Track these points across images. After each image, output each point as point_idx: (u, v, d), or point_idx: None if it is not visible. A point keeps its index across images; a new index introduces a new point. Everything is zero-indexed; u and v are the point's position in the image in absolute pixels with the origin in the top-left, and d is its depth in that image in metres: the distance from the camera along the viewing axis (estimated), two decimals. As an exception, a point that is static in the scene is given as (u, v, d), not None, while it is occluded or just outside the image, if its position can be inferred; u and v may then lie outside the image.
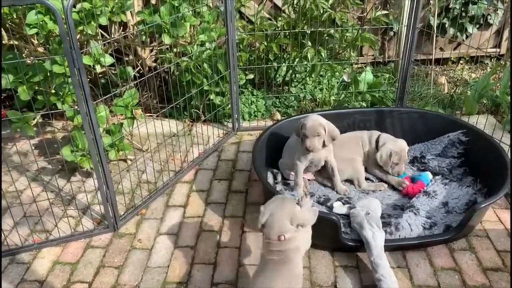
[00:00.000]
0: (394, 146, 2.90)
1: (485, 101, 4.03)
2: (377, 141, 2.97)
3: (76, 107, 2.87)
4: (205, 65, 3.42)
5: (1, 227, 2.60)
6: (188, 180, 3.14)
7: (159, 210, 2.85)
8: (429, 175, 2.91)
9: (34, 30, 2.60)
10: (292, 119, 3.18)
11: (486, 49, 4.82)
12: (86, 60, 2.75)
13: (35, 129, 3.29)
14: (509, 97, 3.88)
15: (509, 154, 2.81)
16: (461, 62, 5.01)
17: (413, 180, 2.90)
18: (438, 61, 4.85)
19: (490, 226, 2.64)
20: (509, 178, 2.51)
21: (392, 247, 2.42)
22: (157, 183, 3.07)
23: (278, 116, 3.92)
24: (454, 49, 4.96)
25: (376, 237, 2.34)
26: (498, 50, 4.90)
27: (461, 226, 2.45)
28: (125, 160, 3.31)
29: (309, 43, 3.73)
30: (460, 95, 4.10)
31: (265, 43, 3.74)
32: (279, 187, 2.87)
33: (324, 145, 2.73)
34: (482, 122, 3.33)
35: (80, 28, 2.73)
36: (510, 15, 4.60)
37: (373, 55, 4.79)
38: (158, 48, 3.69)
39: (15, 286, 2.31)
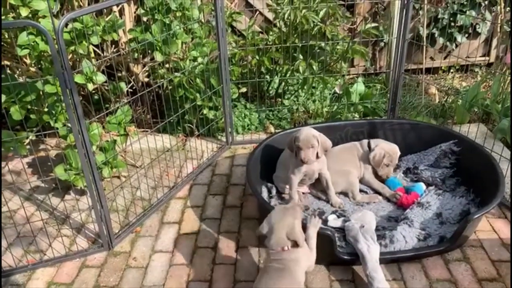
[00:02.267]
0: (388, 148, 2.95)
1: (476, 110, 4.07)
2: (369, 146, 3.01)
3: (68, 125, 2.87)
4: (198, 80, 3.44)
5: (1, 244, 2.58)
6: (183, 196, 3.14)
7: (154, 227, 2.84)
8: (422, 185, 2.93)
9: (26, 51, 2.61)
10: (286, 132, 3.19)
11: (475, 57, 4.88)
12: (78, 79, 2.75)
13: (28, 147, 3.29)
14: (499, 106, 3.92)
15: (509, 166, 2.84)
16: (451, 71, 5.06)
17: (407, 191, 2.91)
18: (428, 70, 4.90)
19: (484, 236, 2.65)
20: (502, 187, 2.53)
21: (387, 260, 2.43)
22: (152, 199, 3.06)
23: (271, 128, 3.94)
24: (445, 58, 5.01)
25: (371, 250, 2.34)
26: (487, 58, 4.95)
27: (455, 236, 2.46)
28: (118, 177, 3.30)
29: (301, 56, 3.76)
30: (451, 104, 4.14)
31: (257, 57, 3.77)
32: (273, 201, 2.87)
33: (317, 156, 2.74)
34: (474, 131, 3.36)
35: (72, 48, 2.74)
36: (510, 25, 4.66)
37: (364, 66, 4.83)
38: (151, 64, 3.71)
39: (9, 309, 2.29)
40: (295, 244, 2.08)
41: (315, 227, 2.25)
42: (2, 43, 3.05)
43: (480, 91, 4.07)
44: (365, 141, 3.08)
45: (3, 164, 3.50)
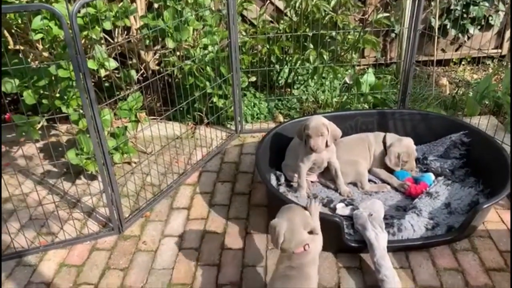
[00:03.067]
0: (400, 147, 2.93)
1: (487, 102, 4.04)
2: (384, 142, 2.99)
3: (81, 110, 2.91)
4: (208, 68, 3.45)
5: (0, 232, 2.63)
6: (192, 182, 3.17)
7: (164, 212, 2.87)
8: (431, 176, 2.92)
9: (40, 36, 2.64)
10: (295, 121, 3.20)
11: (487, 50, 4.83)
12: (91, 64, 2.78)
13: (40, 132, 3.33)
14: (509, 97, 3.89)
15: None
16: (462, 63, 5.02)
17: (416, 181, 2.91)
18: (440, 62, 4.86)
19: (493, 227, 2.65)
20: (510, 179, 2.52)
21: (395, 248, 2.44)
22: (161, 185, 3.09)
23: (280, 118, 3.94)
24: (456, 50, 4.97)
25: (379, 238, 2.35)
26: (499, 51, 4.91)
27: (464, 226, 2.46)
28: (129, 163, 3.34)
29: (311, 46, 3.76)
30: (462, 96, 4.12)
31: (267, 46, 3.77)
32: (282, 189, 2.89)
33: (326, 145, 2.75)
34: (484, 123, 3.34)
35: (85, 33, 2.76)
36: (510, 17, 4.61)
37: (375, 57, 4.81)
38: (161, 52, 3.72)
39: (22, 288, 2.34)
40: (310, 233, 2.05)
41: (316, 210, 2.24)
42: (15, 28, 3.07)
43: (492, 83, 4.04)
44: (380, 135, 3.06)
45: (15, 148, 3.56)
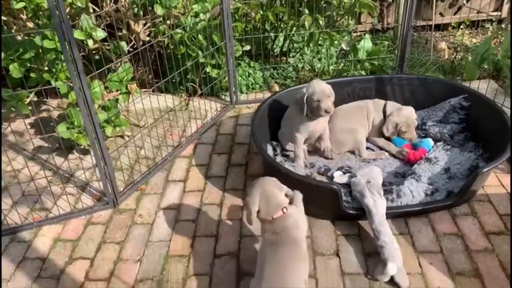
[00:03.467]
0: (399, 117, 2.86)
1: (486, 66, 3.96)
2: (384, 111, 2.92)
3: (70, 83, 2.82)
4: (200, 37, 3.34)
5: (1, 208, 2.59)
6: (187, 154, 3.11)
7: (159, 185, 2.83)
8: (430, 141, 2.87)
9: (22, 4, 2.53)
10: (291, 89, 3.12)
11: (487, 12, 4.71)
12: (78, 34, 2.68)
13: (29, 108, 3.25)
14: (509, 60, 3.81)
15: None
16: (461, 27, 4.91)
17: (414, 147, 2.87)
18: (438, 27, 4.75)
19: (492, 191, 2.62)
20: (511, 142, 2.48)
21: (394, 214, 2.41)
22: (156, 158, 3.04)
23: (276, 88, 3.86)
24: (454, 14, 4.85)
25: (377, 204, 2.32)
26: (499, 13, 4.79)
27: (464, 191, 2.43)
28: (122, 136, 3.27)
29: (306, 11, 3.64)
30: (461, 61, 4.03)
31: (261, 12, 3.64)
32: (278, 158, 2.83)
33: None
34: (483, 88, 3.27)
35: (69, 0, 2.65)
36: None
37: (371, 23, 4.69)
38: (152, 21, 3.60)
39: (16, 264, 2.31)
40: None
41: (299, 200, 2.11)
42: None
43: (491, 46, 3.94)
44: (379, 101, 2.99)
45: (5, 124, 3.48)
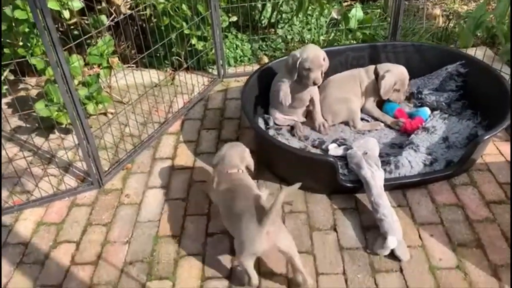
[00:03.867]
0: (397, 74, 2.76)
1: (479, 34, 3.85)
2: (375, 73, 2.80)
3: (46, 58, 2.64)
4: (184, 7, 3.16)
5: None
6: (175, 131, 2.98)
7: (146, 163, 2.70)
8: (427, 110, 2.78)
9: (-12, -29, 2.33)
10: (281, 60, 2.98)
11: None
12: (52, 4, 2.50)
13: (6, 87, 3.07)
14: (504, 26, 3.71)
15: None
16: (453, -6, 4.77)
17: (410, 116, 2.77)
18: (429, -6, 4.61)
19: (491, 159, 2.55)
20: (510, 108, 2.39)
21: (392, 186, 2.32)
22: (142, 136, 2.90)
23: (265, 59, 3.71)
24: (446, -20, 4.70)
25: (375, 176, 2.23)
26: (491, -21, 4.65)
27: (463, 160, 2.35)
28: (105, 114, 3.11)
29: (295, -22, 3.47)
30: (454, 28, 3.91)
31: (248, -20, 3.46)
32: (271, 132, 2.71)
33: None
34: (479, 55, 3.16)
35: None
36: None
37: (361, -9, 4.52)
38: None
39: (-3, 251, 2.18)
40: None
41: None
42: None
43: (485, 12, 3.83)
44: (371, 67, 2.86)
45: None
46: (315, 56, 2.51)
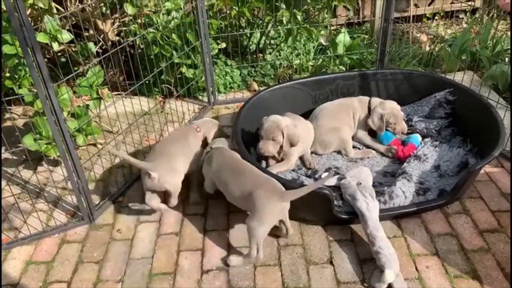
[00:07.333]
0: (383, 108, 2.79)
1: (464, 57, 3.93)
2: (369, 106, 2.84)
3: (34, 90, 2.60)
4: (174, 36, 3.16)
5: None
6: (166, 161, 2.94)
7: (137, 196, 2.65)
8: (418, 136, 2.81)
9: (-24, 6, 2.29)
10: (274, 88, 2.99)
11: (460, 3, 4.70)
12: (41, 37, 2.47)
13: (-9, 117, 3.00)
14: (487, 51, 3.80)
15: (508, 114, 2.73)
16: (436, 18, 4.88)
17: (403, 143, 2.80)
18: (412, 18, 4.70)
19: (482, 187, 2.58)
20: (503, 135, 2.42)
21: (387, 217, 2.32)
22: (132, 167, 2.85)
23: (255, 86, 3.73)
24: (429, 4, 4.82)
25: (370, 208, 2.23)
26: (472, 3, 4.78)
27: (457, 189, 2.37)
28: (95, 145, 3.07)
29: (283, 6, 3.50)
30: (440, 52, 3.99)
31: (237, 8, 3.49)
32: (264, 163, 2.70)
33: (281, 148, 2.53)
34: (465, 79, 3.22)
35: (30, 1, 2.43)
36: None
37: (347, 15, 4.60)
38: (121, 20, 3.39)
39: (-15, 293, 2.11)
40: None
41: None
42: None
43: (470, 37, 3.92)
44: (364, 98, 2.90)
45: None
46: (268, 126, 2.50)
